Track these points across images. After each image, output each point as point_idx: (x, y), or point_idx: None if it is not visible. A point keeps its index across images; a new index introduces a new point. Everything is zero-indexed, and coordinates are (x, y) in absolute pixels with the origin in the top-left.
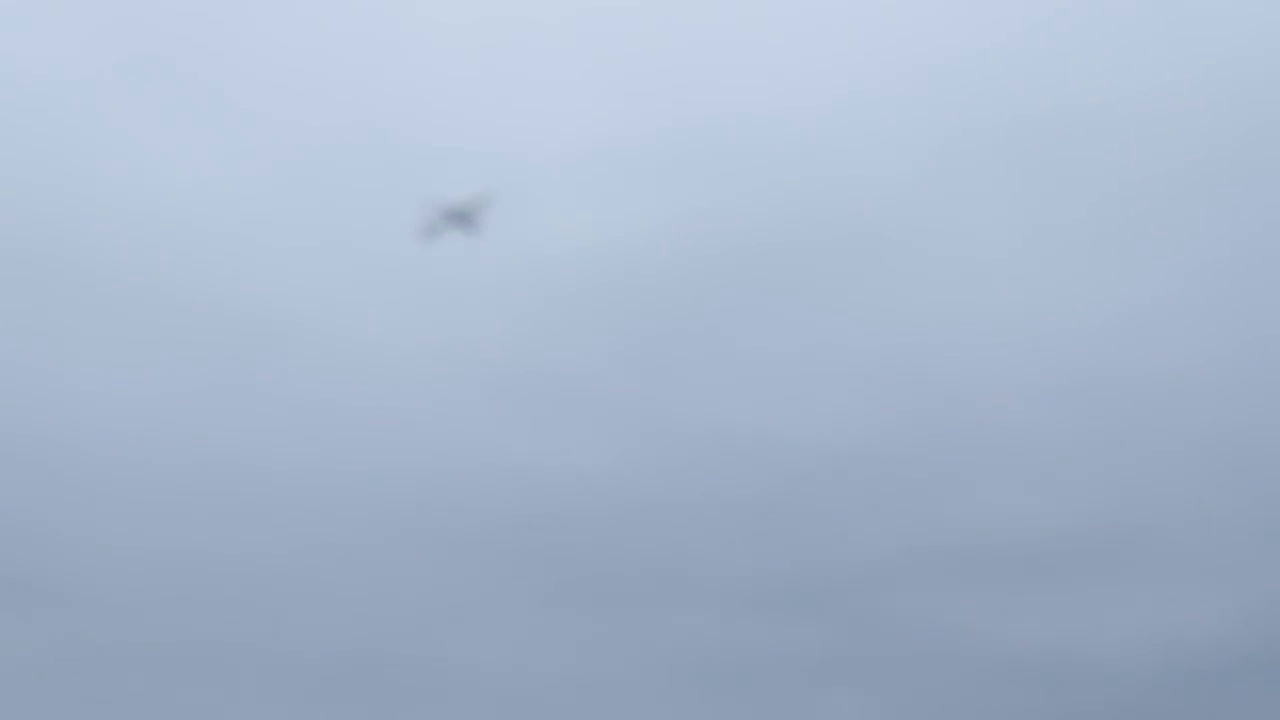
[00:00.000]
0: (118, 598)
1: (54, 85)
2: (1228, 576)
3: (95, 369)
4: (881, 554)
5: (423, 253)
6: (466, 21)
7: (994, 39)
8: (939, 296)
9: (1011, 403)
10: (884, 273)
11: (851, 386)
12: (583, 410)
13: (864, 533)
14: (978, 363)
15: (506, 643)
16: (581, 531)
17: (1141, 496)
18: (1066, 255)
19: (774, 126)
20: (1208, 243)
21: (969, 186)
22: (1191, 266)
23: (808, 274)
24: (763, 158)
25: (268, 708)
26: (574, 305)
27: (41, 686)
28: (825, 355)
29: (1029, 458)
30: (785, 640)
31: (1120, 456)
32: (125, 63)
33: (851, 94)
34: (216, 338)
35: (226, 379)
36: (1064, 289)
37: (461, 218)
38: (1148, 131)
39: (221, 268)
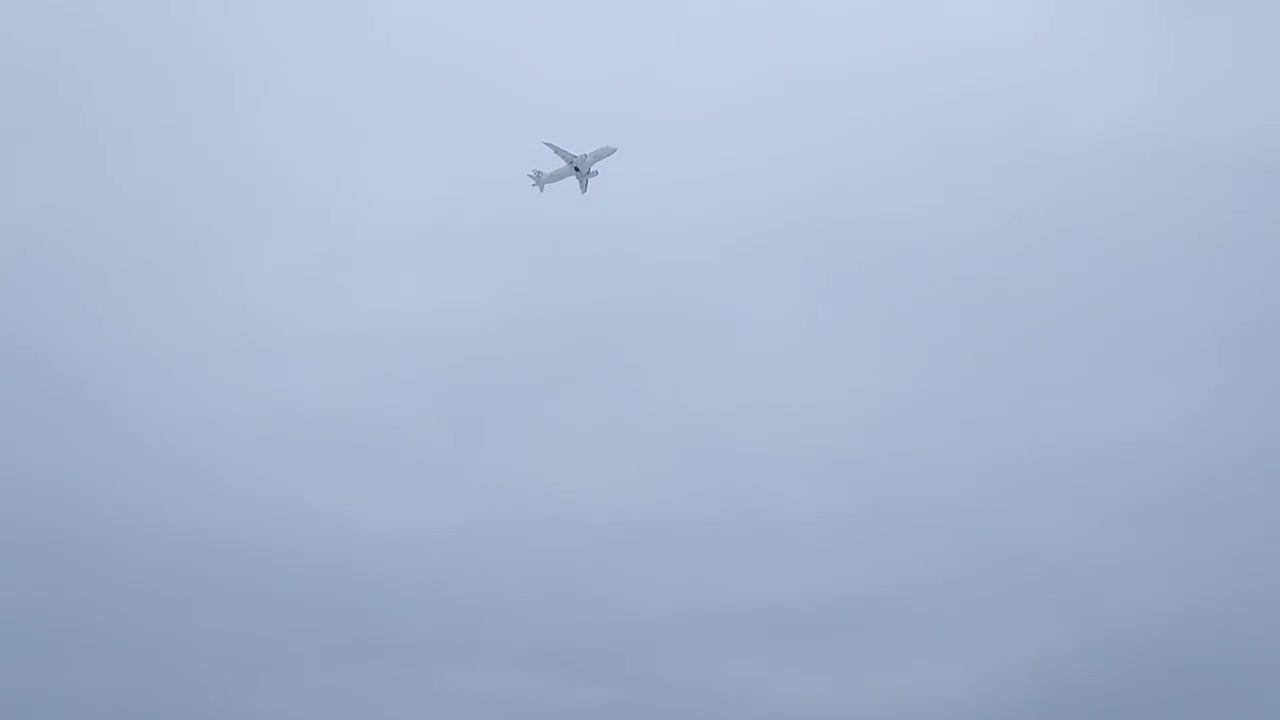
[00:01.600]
0: None
1: None
2: (966, 643)
3: None
4: (663, 618)
5: (243, 307)
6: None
7: (797, 153)
8: (729, 381)
9: (786, 481)
10: (684, 357)
11: (646, 459)
12: (396, 469)
13: (648, 598)
14: (759, 443)
15: (292, 696)
16: (384, 588)
17: (894, 569)
18: (841, 352)
19: (594, 217)
20: (957, 347)
21: (762, 286)
22: (942, 366)
23: (616, 354)
24: (583, 245)
25: None
26: (395, 367)
27: None
28: (625, 429)
29: (799, 531)
30: (571, 700)
31: (877, 532)
32: None
33: (667, 194)
34: (29, 383)
35: (37, 425)
36: (836, 381)
37: None
38: (915, 248)
39: (37, 318)
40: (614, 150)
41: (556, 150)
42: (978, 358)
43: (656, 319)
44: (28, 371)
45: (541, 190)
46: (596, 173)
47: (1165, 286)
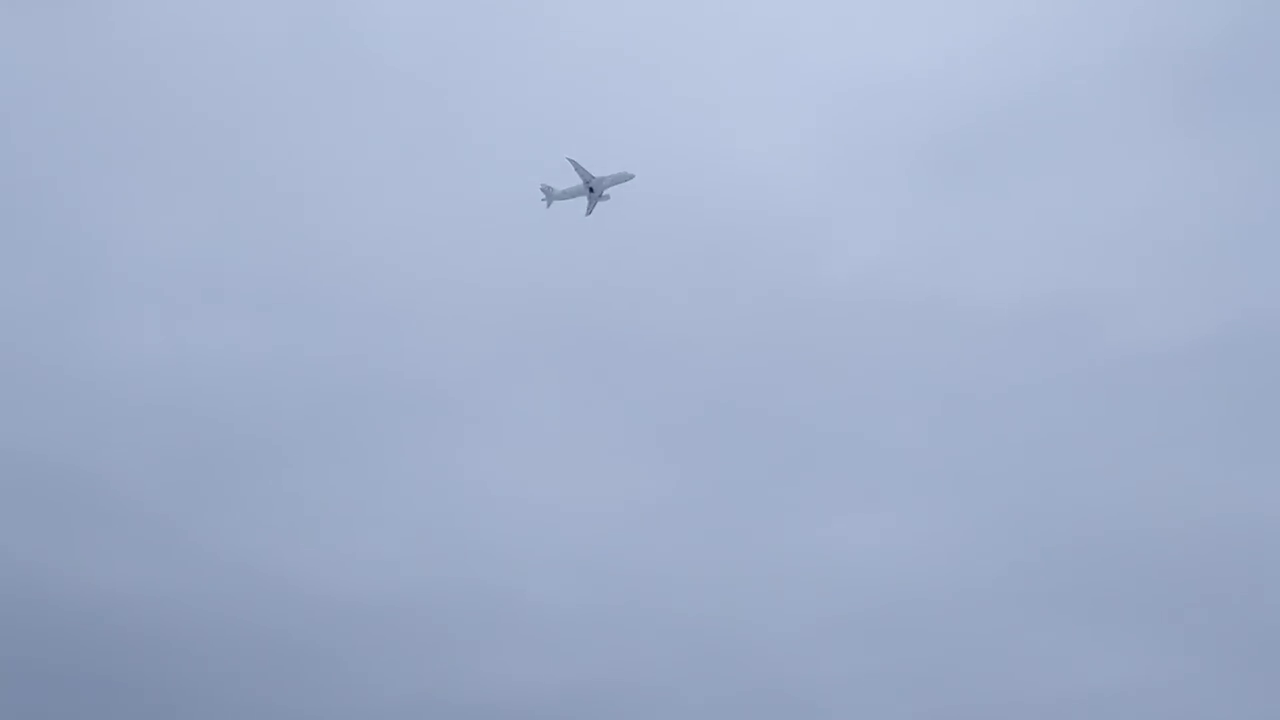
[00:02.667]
0: None
1: None
2: None
3: None
4: (391, 706)
5: None
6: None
7: (572, 248)
8: (487, 469)
9: (532, 574)
10: (445, 440)
11: (391, 540)
12: (117, 525)
13: (378, 684)
14: (509, 534)
15: None
16: (90, 650)
17: (631, 668)
18: (601, 452)
19: (359, 285)
20: (713, 460)
21: (532, 378)
22: (697, 477)
23: (374, 428)
24: (355, 309)
25: None
26: (127, 415)
27: None
28: (372, 507)
29: (541, 625)
30: None
31: (618, 631)
32: None
33: (446, 273)
34: None
35: None
36: (593, 480)
37: None
38: (683, 359)
39: None
40: (631, 177)
41: (577, 168)
42: (730, 473)
43: (421, 397)
44: None
45: (548, 206)
46: (609, 196)
47: (899, 425)
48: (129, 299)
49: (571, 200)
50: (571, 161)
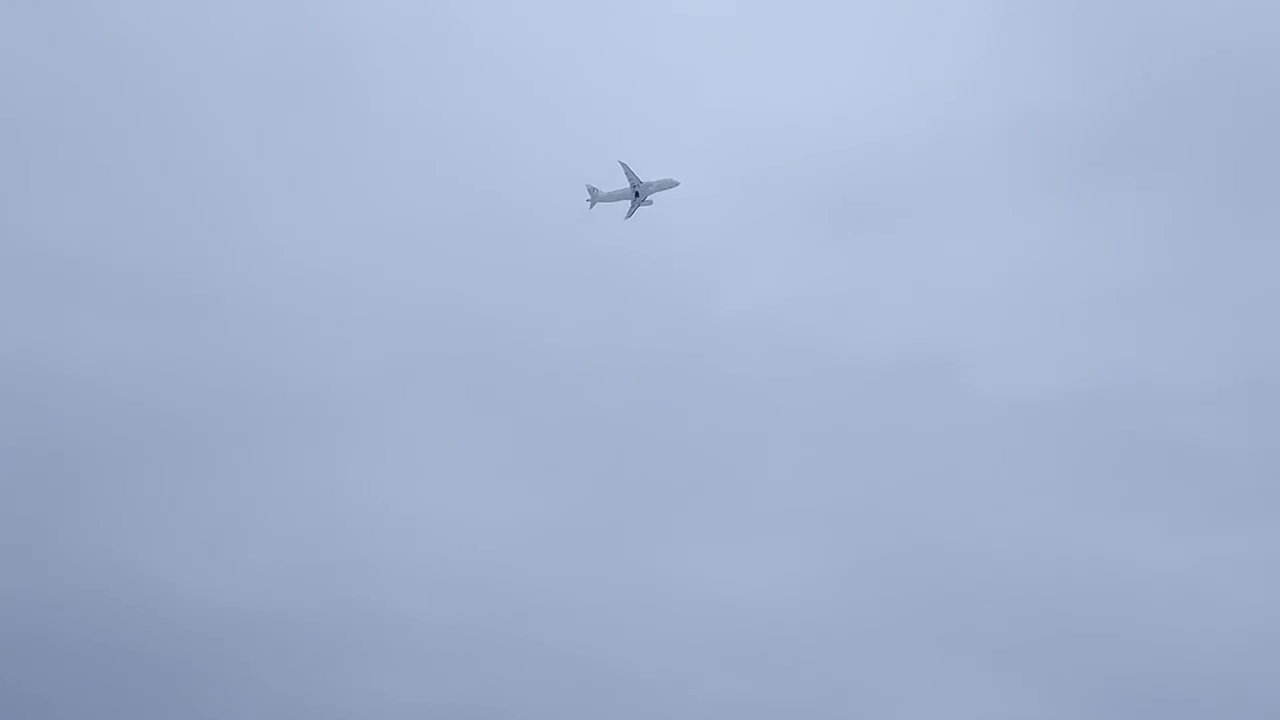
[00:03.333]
0: None
1: None
2: None
3: None
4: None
5: None
6: None
7: (470, 271)
8: (370, 483)
9: (407, 592)
10: (327, 452)
11: (263, 551)
12: None
13: (242, 695)
14: (387, 550)
15: None
16: None
17: (500, 690)
18: (487, 473)
19: (247, 289)
20: (597, 486)
21: (421, 394)
22: (581, 502)
23: (254, 438)
24: (240, 319)
25: None
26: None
27: None
28: (246, 518)
29: (411, 643)
30: None
31: (491, 652)
32: None
33: (337, 289)
34: None
35: None
36: (477, 501)
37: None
38: (571, 382)
39: None
40: (677, 184)
41: (627, 171)
42: (613, 500)
43: (308, 407)
44: None
45: (591, 207)
46: (652, 202)
47: (777, 462)
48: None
49: (614, 204)
50: (623, 165)
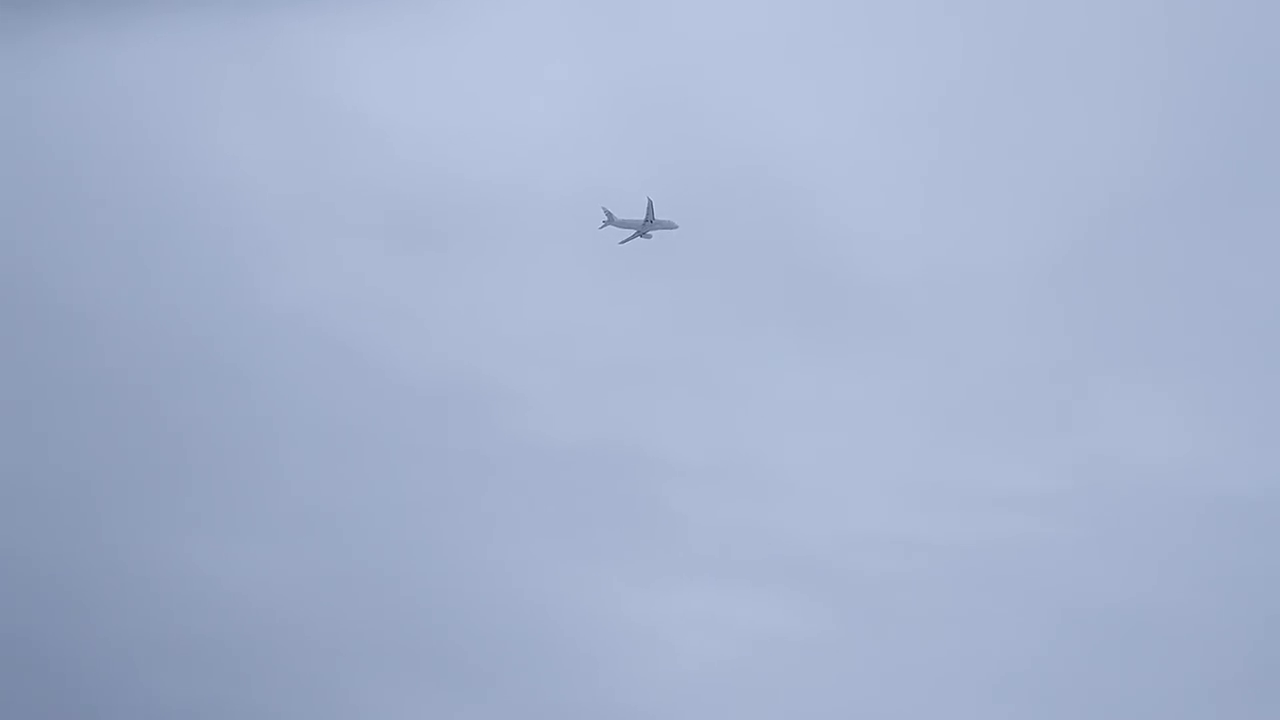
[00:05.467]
0: None
1: None
2: None
3: None
4: None
5: None
6: None
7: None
8: None
9: None
10: None
11: None
12: None
13: None
14: None
15: None
16: None
17: None
18: None
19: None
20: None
21: None
22: (56, 467)
23: None
24: None
25: None
26: None
27: None
28: None
29: None
30: None
31: None
32: None
33: None
34: None
35: None
36: None
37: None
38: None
39: None
40: (676, 227)
41: (650, 207)
42: (103, 477)
43: None
44: None
45: (600, 228)
46: (651, 236)
47: (292, 462)
48: None
49: (618, 229)
50: (650, 200)
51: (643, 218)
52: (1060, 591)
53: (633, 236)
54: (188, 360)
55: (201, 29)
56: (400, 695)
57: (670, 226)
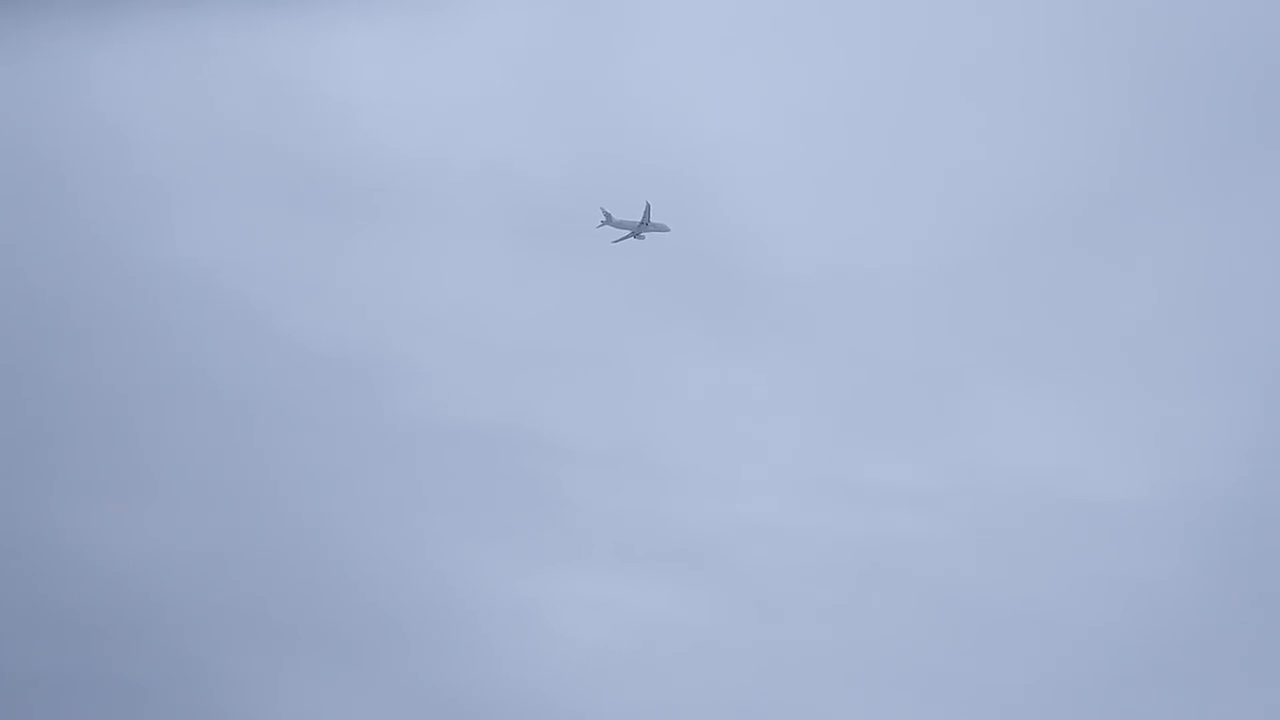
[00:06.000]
0: None
1: None
2: None
3: None
4: None
5: None
6: None
7: None
8: None
9: None
10: None
11: None
12: None
13: None
14: None
15: None
16: None
17: None
18: None
19: None
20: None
21: None
22: None
23: None
24: None
25: None
26: None
27: None
28: None
29: None
30: None
31: None
32: None
33: None
34: None
35: None
36: None
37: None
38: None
39: None
40: (668, 230)
41: (648, 210)
42: None
43: None
44: None
45: (599, 226)
46: (644, 237)
47: (178, 428)
48: None
49: (613, 228)
50: (648, 204)
51: (638, 219)
52: (935, 586)
53: (626, 237)
54: (73, 316)
55: None
56: (282, 671)
57: (663, 229)
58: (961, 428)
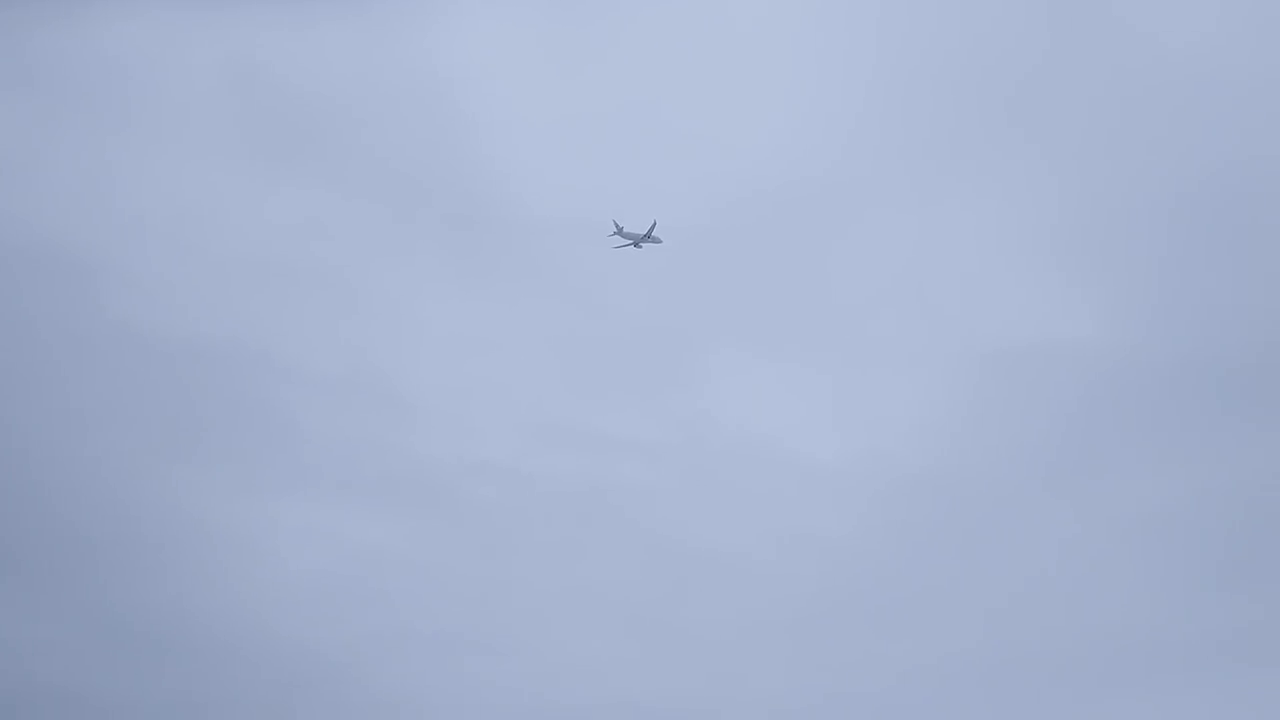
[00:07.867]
0: None
1: None
2: None
3: None
4: None
5: None
6: None
7: None
8: None
9: None
10: None
11: None
12: None
13: None
14: None
15: None
16: None
17: None
18: None
19: None
20: None
21: None
22: None
23: None
24: None
25: None
26: None
27: None
28: None
29: None
30: None
31: None
32: None
33: None
34: None
35: None
36: None
37: None
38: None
39: None
40: (661, 242)
41: (654, 225)
42: None
43: None
44: None
45: (610, 235)
46: (642, 247)
47: None
48: None
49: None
50: (654, 221)
51: (643, 232)
52: (655, 532)
53: (627, 245)
54: None
55: None
56: None
57: (657, 241)
58: (686, 385)
